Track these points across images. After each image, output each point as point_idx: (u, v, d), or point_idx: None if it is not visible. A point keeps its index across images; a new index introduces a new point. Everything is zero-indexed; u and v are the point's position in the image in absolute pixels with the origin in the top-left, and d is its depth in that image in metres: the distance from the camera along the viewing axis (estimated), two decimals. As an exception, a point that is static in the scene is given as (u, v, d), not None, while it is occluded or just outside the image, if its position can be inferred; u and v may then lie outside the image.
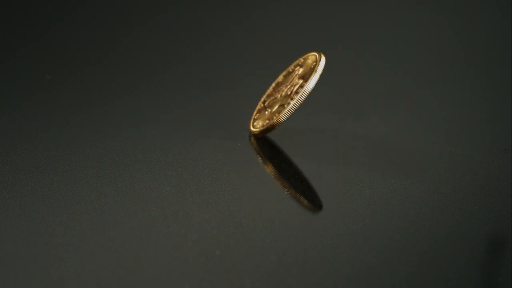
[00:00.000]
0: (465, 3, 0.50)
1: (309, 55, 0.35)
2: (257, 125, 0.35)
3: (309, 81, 0.34)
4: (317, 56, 0.34)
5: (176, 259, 0.28)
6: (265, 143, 0.36)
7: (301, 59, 0.35)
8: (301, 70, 0.35)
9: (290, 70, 0.35)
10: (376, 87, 0.42)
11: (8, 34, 0.46)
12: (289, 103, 0.34)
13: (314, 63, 0.34)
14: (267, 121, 0.35)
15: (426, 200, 0.31)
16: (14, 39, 0.45)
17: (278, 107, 0.35)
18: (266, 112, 0.35)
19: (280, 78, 0.36)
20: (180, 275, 0.27)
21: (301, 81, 0.34)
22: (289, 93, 0.34)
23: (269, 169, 0.34)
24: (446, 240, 0.29)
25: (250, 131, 0.35)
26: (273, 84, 0.36)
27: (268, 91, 0.36)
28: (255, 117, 0.36)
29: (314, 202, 0.32)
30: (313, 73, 0.34)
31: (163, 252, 0.28)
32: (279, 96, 0.35)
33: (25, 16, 0.47)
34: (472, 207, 0.31)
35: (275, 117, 0.34)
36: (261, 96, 0.36)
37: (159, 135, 0.36)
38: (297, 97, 0.34)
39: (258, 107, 0.36)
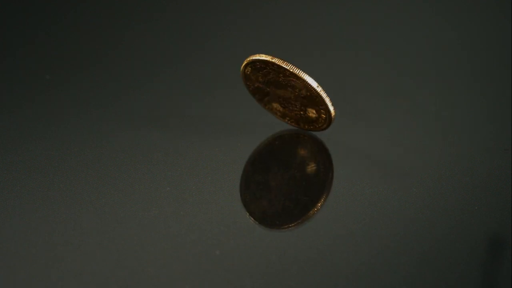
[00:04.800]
0: (465, 3, 0.50)
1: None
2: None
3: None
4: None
5: (176, 259, 0.28)
6: (264, 143, 0.36)
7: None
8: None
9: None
10: (376, 87, 0.42)
11: (8, 34, 0.46)
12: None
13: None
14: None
15: (426, 200, 0.31)
16: (14, 39, 0.45)
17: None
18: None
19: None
20: (180, 275, 0.27)
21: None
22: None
23: (270, 170, 0.34)
24: (446, 240, 0.29)
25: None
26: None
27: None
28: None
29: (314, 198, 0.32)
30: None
31: (163, 252, 0.28)
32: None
33: (25, 16, 0.47)
34: (472, 207, 0.31)
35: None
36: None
37: (159, 135, 0.36)
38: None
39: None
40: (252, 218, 0.31)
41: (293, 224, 0.30)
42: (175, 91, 0.41)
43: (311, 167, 0.34)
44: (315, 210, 0.31)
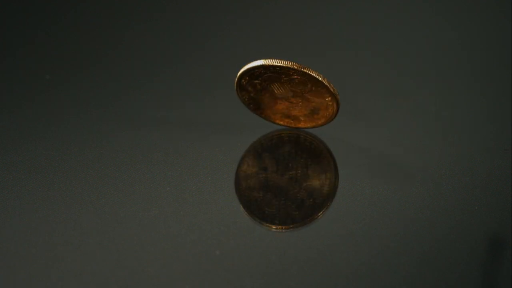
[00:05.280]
0: (465, 3, 0.50)
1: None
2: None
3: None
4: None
5: (176, 259, 0.28)
6: (264, 143, 0.36)
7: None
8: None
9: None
10: (376, 87, 0.42)
11: (8, 34, 0.46)
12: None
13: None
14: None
15: (426, 200, 0.31)
16: (14, 39, 0.45)
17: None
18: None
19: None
20: (180, 275, 0.27)
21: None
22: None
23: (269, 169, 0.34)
24: (446, 240, 0.29)
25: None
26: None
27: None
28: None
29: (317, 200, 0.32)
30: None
31: (163, 252, 0.28)
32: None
33: (25, 16, 0.47)
34: (472, 207, 0.31)
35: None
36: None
37: (159, 135, 0.36)
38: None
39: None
40: (251, 217, 0.31)
41: (293, 226, 0.30)
42: (175, 91, 0.41)
43: (314, 170, 0.34)
44: (319, 215, 0.31)
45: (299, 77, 0.34)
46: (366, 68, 0.44)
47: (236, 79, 0.34)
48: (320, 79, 0.33)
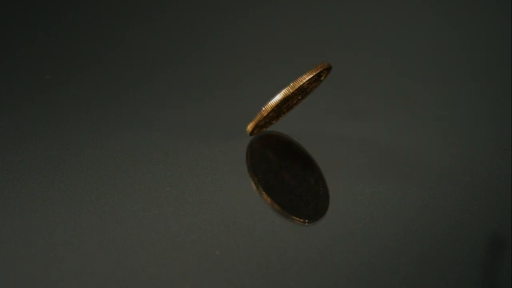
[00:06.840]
0: (465, 3, 0.50)
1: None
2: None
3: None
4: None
5: (176, 259, 0.28)
6: (265, 144, 0.36)
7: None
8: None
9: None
10: (375, 87, 0.42)
11: (8, 34, 0.46)
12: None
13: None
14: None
15: (426, 200, 0.31)
16: (14, 39, 0.45)
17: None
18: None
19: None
20: (180, 275, 0.27)
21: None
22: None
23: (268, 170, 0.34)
24: (446, 240, 0.29)
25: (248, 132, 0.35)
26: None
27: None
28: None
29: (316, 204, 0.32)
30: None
31: (163, 252, 0.28)
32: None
33: (25, 16, 0.47)
34: (472, 207, 0.31)
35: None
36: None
37: (159, 135, 0.36)
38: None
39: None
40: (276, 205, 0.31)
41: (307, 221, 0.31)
42: (175, 91, 0.41)
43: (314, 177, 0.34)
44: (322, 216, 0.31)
45: (307, 78, 0.34)
46: (366, 68, 0.44)
47: (253, 128, 0.34)
48: (323, 66, 0.33)
